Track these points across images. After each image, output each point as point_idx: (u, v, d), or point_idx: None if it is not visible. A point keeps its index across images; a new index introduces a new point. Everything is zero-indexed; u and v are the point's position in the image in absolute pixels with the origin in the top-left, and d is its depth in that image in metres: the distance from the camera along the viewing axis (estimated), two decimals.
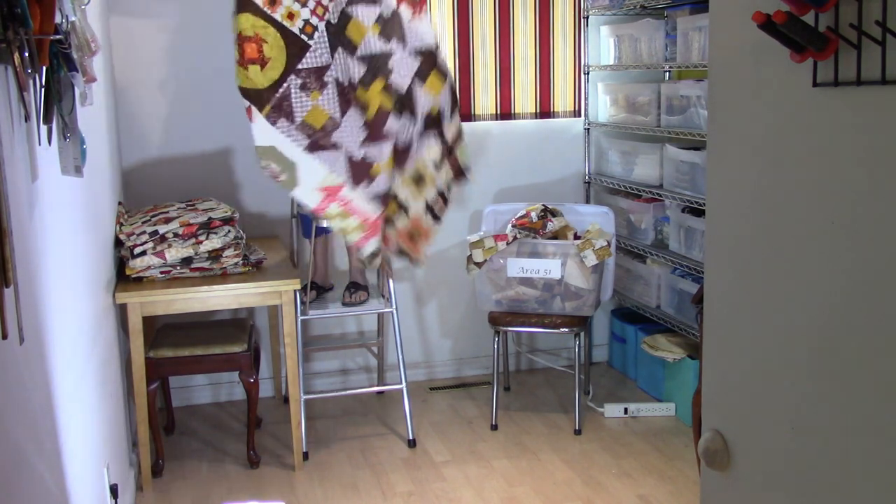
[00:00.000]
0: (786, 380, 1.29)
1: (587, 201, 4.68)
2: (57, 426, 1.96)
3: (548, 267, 3.90)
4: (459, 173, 3.51)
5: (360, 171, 3.24)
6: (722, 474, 1.44)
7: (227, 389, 4.37)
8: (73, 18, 2.08)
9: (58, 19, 1.85)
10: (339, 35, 3.19)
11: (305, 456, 3.69)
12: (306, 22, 3.16)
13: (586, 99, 4.62)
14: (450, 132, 3.41)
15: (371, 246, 3.26)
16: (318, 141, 3.21)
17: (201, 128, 4.20)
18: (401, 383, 3.86)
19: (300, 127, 3.20)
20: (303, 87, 3.20)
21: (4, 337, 1.39)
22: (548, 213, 4.08)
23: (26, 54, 1.58)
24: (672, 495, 3.35)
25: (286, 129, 3.20)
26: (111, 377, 3.04)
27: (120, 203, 3.77)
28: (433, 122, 3.35)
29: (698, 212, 3.84)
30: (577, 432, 3.92)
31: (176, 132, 4.18)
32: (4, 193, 1.42)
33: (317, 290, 4.00)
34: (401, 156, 3.32)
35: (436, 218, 3.45)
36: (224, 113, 4.19)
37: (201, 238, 3.45)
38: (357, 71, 3.20)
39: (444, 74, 3.33)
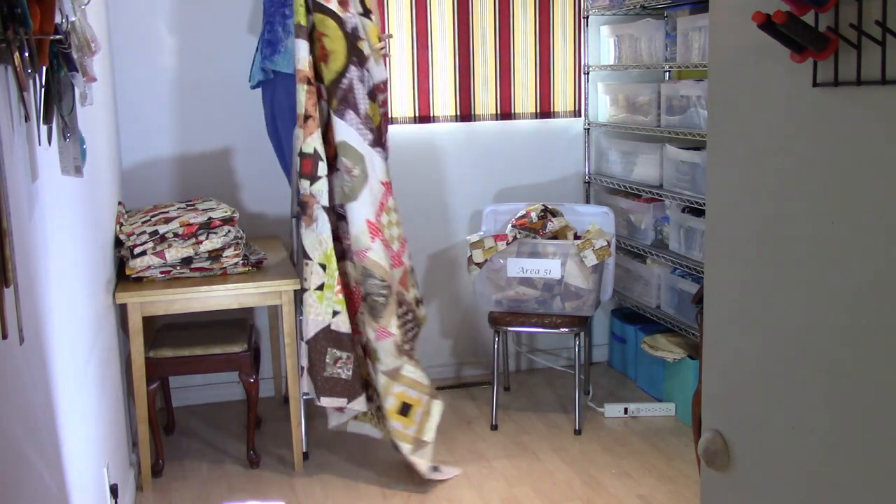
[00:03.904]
0: (786, 380, 1.29)
1: (587, 201, 4.68)
2: (57, 426, 1.96)
3: (548, 267, 3.90)
4: None
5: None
6: (722, 474, 1.44)
7: (227, 389, 4.37)
8: (73, 18, 2.08)
9: (58, 19, 1.85)
10: (353, 45, 3.30)
11: (305, 456, 3.69)
12: (356, 15, 3.28)
13: (586, 99, 4.62)
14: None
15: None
16: (376, 137, 3.32)
17: (201, 128, 4.20)
18: None
19: (364, 120, 3.26)
20: (361, 80, 3.24)
21: (4, 337, 1.39)
22: (548, 213, 4.08)
23: (26, 54, 1.58)
24: (672, 495, 3.35)
25: (353, 121, 3.25)
26: (111, 377, 3.04)
27: (120, 203, 3.77)
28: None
29: (698, 212, 3.84)
30: (577, 432, 3.92)
31: (176, 132, 4.18)
32: (4, 193, 1.42)
33: None
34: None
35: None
36: (224, 113, 4.19)
37: (201, 238, 3.45)
38: (368, 83, 3.33)
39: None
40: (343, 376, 3.40)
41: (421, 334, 3.64)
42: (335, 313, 3.34)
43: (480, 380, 4.61)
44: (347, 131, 3.27)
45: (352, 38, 3.27)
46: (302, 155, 3.27)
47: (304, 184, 3.29)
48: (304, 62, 3.23)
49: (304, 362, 3.41)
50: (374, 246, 3.29)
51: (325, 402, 3.44)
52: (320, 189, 3.29)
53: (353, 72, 3.24)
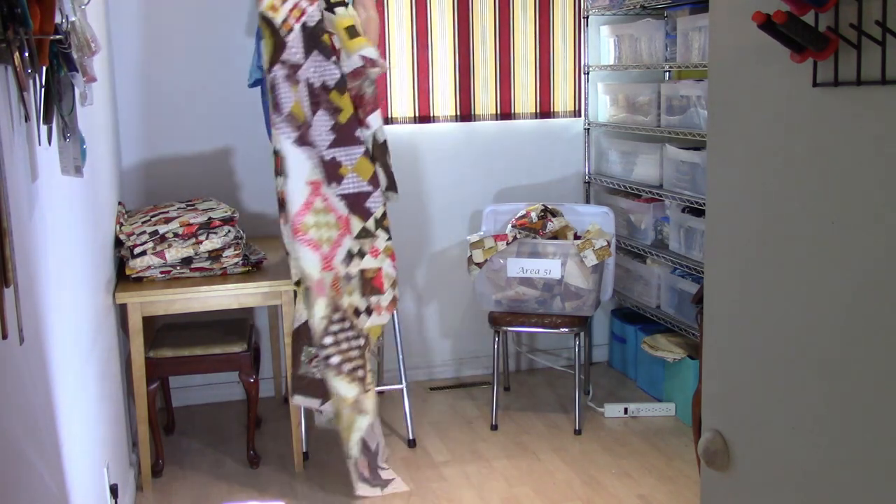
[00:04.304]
0: (786, 380, 1.29)
1: (587, 201, 4.68)
2: (57, 426, 1.96)
3: (548, 267, 3.90)
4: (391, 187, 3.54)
5: (331, 172, 3.29)
6: (722, 474, 1.44)
7: (227, 389, 4.37)
8: (73, 18, 2.08)
9: (58, 19, 1.85)
10: (316, 39, 3.24)
11: (305, 456, 3.69)
12: (284, 20, 3.22)
13: (586, 99, 4.62)
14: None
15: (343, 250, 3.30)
16: (302, 135, 3.25)
17: (201, 128, 4.20)
18: (401, 383, 3.86)
19: (288, 118, 3.24)
20: (287, 78, 3.24)
21: (4, 337, 1.39)
22: (548, 213, 4.08)
23: (26, 54, 1.58)
24: (672, 495, 3.35)
25: (276, 120, 3.24)
26: (111, 377, 3.04)
27: (120, 203, 3.77)
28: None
29: (698, 212, 3.84)
30: (577, 432, 3.92)
31: (176, 132, 4.18)
32: (4, 193, 1.42)
33: None
34: (373, 165, 3.38)
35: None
36: (224, 113, 4.19)
37: (201, 238, 3.45)
38: (332, 75, 3.27)
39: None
40: (317, 376, 3.38)
41: (372, 348, 3.47)
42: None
43: (480, 380, 4.61)
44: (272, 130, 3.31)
45: (310, 33, 3.26)
46: (275, 153, 3.30)
47: (279, 181, 3.30)
48: (265, 64, 3.29)
49: None
50: (297, 247, 3.27)
51: (298, 400, 3.42)
52: None
53: (277, 70, 3.25)
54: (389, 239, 3.41)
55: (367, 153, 3.35)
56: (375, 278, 3.41)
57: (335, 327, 3.32)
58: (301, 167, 3.25)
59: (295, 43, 3.24)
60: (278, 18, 3.23)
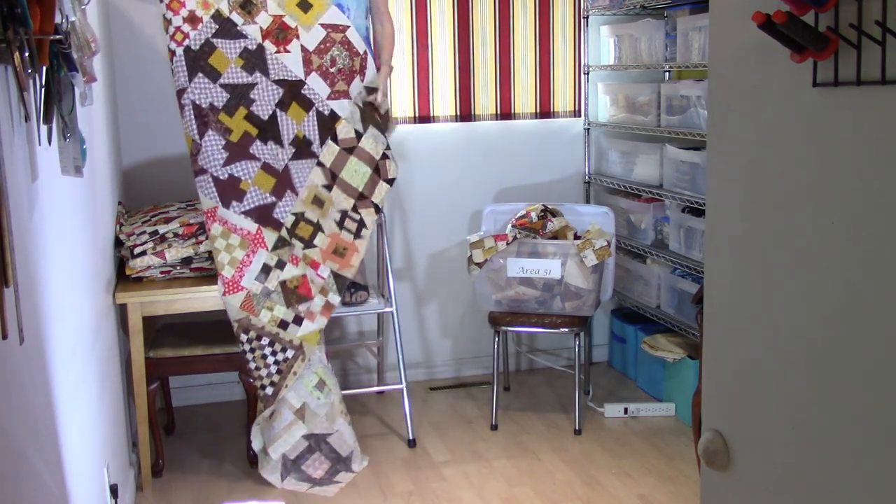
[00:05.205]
0: (786, 379, 1.29)
1: (587, 201, 4.68)
2: (57, 426, 1.96)
3: (548, 267, 3.90)
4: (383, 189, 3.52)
5: (228, 190, 3.31)
6: (722, 474, 1.44)
7: (227, 389, 4.37)
8: (73, 18, 2.08)
9: (58, 19, 1.85)
10: (201, 61, 3.27)
11: None
12: (168, 47, 3.27)
13: (586, 99, 4.62)
14: (327, 159, 3.43)
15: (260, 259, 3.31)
16: (197, 166, 3.28)
17: None
18: (401, 383, 3.86)
19: (193, 147, 3.29)
20: (195, 102, 3.28)
21: (4, 337, 1.39)
22: (548, 213, 4.08)
23: (26, 54, 1.58)
24: (672, 495, 3.35)
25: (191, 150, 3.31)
26: (111, 377, 3.04)
27: (120, 203, 3.77)
28: (304, 148, 3.40)
29: (698, 212, 3.84)
30: (577, 432, 3.92)
31: (176, 132, 4.16)
32: (4, 193, 1.42)
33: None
34: (282, 179, 3.37)
35: (355, 235, 3.47)
36: None
37: (201, 238, 3.45)
38: (220, 96, 3.29)
39: (305, 106, 3.39)
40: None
41: (310, 356, 3.41)
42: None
43: (480, 380, 4.61)
44: None
45: (193, 57, 3.29)
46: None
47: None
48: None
49: None
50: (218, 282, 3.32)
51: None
52: None
53: (185, 97, 3.29)
54: (306, 248, 3.40)
55: (265, 167, 3.36)
56: (301, 286, 3.39)
57: (243, 348, 3.34)
58: (202, 195, 3.29)
59: (178, 68, 3.28)
60: (171, 46, 3.29)
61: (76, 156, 2.15)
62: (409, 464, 3.67)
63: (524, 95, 4.57)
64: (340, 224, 3.45)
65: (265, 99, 3.37)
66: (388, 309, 3.93)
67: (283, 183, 3.38)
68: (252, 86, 3.35)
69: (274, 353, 3.35)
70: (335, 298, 3.44)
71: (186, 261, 3.45)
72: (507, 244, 3.93)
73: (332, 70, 3.43)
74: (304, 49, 3.39)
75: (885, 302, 1.10)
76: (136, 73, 4.09)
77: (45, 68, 1.85)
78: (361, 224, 3.48)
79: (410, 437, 3.85)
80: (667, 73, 4.39)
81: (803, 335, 1.25)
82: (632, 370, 4.56)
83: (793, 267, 1.26)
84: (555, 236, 4.01)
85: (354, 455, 3.44)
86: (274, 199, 3.36)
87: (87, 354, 2.52)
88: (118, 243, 3.47)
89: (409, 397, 3.87)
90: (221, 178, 3.31)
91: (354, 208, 3.47)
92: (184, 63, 3.29)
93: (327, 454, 3.40)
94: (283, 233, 3.36)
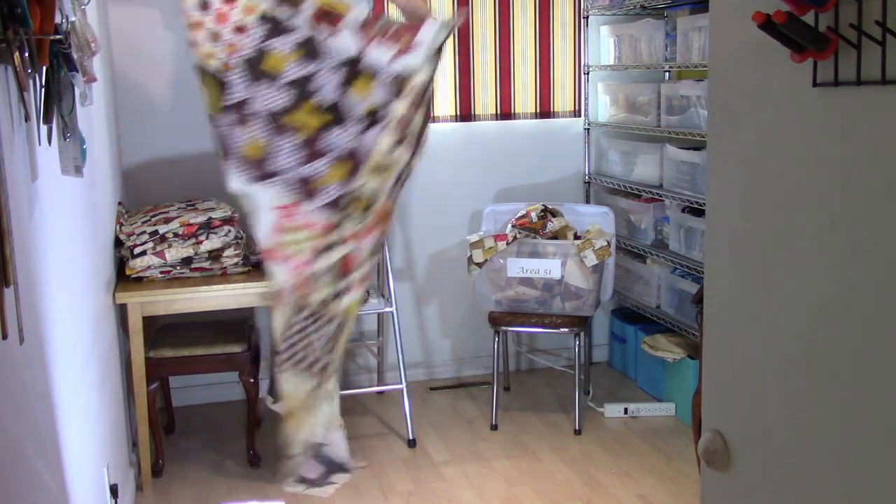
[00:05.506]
0: (786, 379, 1.29)
1: (587, 201, 4.68)
2: (57, 426, 1.96)
3: (548, 267, 3.90)
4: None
5: (307, 189, 3.30)
6: (722, 474, 1.44)
7: (227, 389, 4.37)
8: (73, 18, 2.08)
9: (58, 19, 1.85)
10: (257, 68, 3.26)
11: None
12: (222, 61, 3.25)
13: (586, 99, 4.62)
14: (400, 111, 3.40)
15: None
16: (262, 170, 3.27)
17: (201, 128, 4.17)
18: (401, 383, 3.86)
19: (241, 160, 3.27)
20: (233, 124, 3.26)
21: (4, 337, 1.39)
22: (548, 213, 4.08)
23: (26, 54, 1.58)
24: (672, 495, 3.35)
25: (231, 165, 3.28)
26: (111, 377, 3.04)
27: (120, 203, 3.77)
28: (373, 118, 3.39)
29: (698, 212, 3.84)
30: (577, 432, 3.92)
31: (176, 132, 4.17)
32: (4, 193, 1.42)
33: None
34: (348, 161, 3.36)
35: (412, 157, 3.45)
36: None
37: (201, 238, 3.45)
38: (282, 99, 3.28)
39: (371, 75, 3.36)
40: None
41: (350, 328, 3.37)
42: None
43: (480, 380, 4.61)
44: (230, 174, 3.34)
45: (251, 65, 3.28)
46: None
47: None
48: (209, 112, 3.35)
49: None
50: (270, 266, 3.31)
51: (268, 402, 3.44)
52: None
53: (222, 119, 3.27)
54: (360, 223, 3.40)
55: (338, 157, 3.35)
56: (344, 264, 3.41)
57: (296, 328, 3.33)
58: (263, 199, 3.28)
59: (239, 80, 3.27)
60: (213, 64, 3.26)
61: (76, 156, 2.15)
62: (409, 464, 3.67)
63: (524, 95, 4.56)
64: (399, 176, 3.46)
65: (329, 86, 3.35)
66: (388, 309, 3.93)
67: (356, 164, 3.39)
68: (311, 76, 3.33)
69: (327, 324, 3.36)
70: (367, 270, 3.48)
71: (186, 261, 3.45)
72: (507, 244, 3.93)
73: (389, 34, 3.40)
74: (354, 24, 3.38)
75: (885, 302, 1.10)
76: (136, 73, 4.09)
77: (45, 68, 1.85)
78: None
79: (410, 437, 3.85)
80: (667, 73, 4.39)
81: (803, 335, 1.25)
82: (632, 370, 4.56)
83: (793, 267, 1.26)
84: (555, 236, 4.01)
85: (348, 462, 3.46)
86: (344, 185, 3.37)
87: (87, 354, 2.52)
88: (118, 243, 3.47)
89: (409, 397, 3.87)
90: (302, 177, 3.31)
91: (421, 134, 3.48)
92: (243, 73, 3.28)
93: (320, 461, 3.41)
94: (341, 216, 3.38)
